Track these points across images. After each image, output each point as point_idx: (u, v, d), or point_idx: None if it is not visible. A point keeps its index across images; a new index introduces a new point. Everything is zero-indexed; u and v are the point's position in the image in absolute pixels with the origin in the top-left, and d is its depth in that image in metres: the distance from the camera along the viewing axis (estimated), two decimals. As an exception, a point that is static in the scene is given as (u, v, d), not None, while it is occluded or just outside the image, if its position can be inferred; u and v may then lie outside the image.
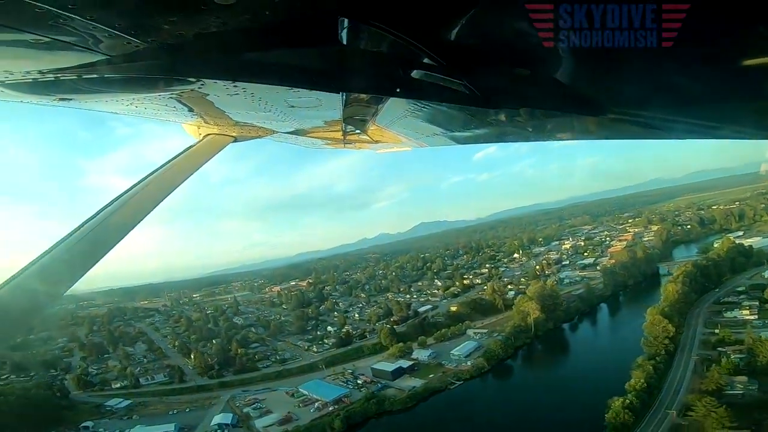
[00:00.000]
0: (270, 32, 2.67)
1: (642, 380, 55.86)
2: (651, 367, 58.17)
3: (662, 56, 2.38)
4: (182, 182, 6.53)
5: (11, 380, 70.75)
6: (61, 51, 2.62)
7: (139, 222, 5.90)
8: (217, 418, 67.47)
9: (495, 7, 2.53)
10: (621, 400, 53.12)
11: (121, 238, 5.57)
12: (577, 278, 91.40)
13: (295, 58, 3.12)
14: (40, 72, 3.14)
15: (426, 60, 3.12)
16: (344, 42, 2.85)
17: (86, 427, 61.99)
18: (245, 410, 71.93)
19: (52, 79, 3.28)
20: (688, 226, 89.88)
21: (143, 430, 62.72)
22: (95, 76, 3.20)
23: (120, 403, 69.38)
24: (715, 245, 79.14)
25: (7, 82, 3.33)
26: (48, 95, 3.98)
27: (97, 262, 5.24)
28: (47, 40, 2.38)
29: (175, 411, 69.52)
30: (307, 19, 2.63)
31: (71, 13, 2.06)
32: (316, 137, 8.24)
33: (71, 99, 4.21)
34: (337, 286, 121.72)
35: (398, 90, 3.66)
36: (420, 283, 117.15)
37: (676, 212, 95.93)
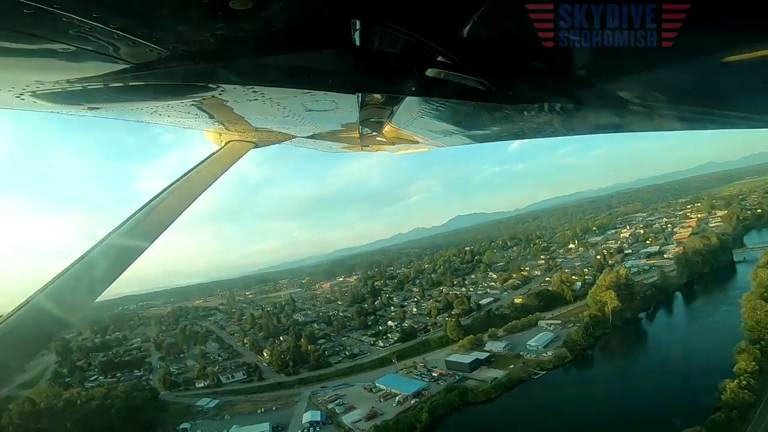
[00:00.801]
0: (284, 37, 2.68)
1: (753, 363, 55.47)
2: (758, 351, 57.76)
3: (680, 51, 2.34)
4: (206, 188, 6.57)
5: (100, 381, 71.06)
6: (87, 60, 2.64)
7: (166, 228, 5.96)
8: (307, 416, 67.42)
9: (506, 3, 2.52)
10: (736, 381, 52.80)
11: (149, 245, 5.66)
12: (645, 267, 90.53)
13: (310, 62, 3.11)
14: (68, 81, 3.19)
15: (440, 58, 3.13)
16: (357, 43, 2.85)
17: (185, 429, 61.96)
18: (329, 407, 71.87)
19: (80, 88, 3.30)
20: (759, 210, 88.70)
21: (239, 431, 62.66)
22: (120, 84, 3.22)
23: (209, 403, 69.37)
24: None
25: (38, 92, 3.35)
26: (77, 104, 4.01)
27: (126, 267, 5.37)
28: (73, 49, 2.40)
29: (262, 410, 69.43)
30: (321, 22, 2.62)
31: (95, 22, 2.12)
32: (334, 140, 8.24)
33: (99, 108, 4.22)
34: (386, 281, 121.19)
35: (413, 89, 3.63)
36: (473, 276, 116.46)
37: (740, 196, 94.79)
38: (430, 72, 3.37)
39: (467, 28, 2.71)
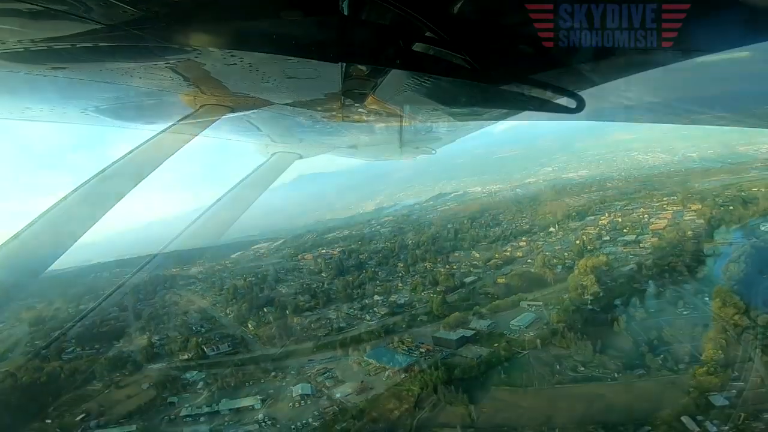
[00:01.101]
0: (267, 1, 2.58)
1: (719, 351, 60.45)
2: (723, 340, 62.89)
3: (671, 49, 2.30)
4: (176, 151, 6.74)
5: (77, 353, 67.30)
6: (55, 20, 2.57)
7: (132, 189, 6.13)
8: (297, 389, 67.52)
9: None
10: (705, 368, 57.49)
11: (113, 205, 5.81)
12: (621, 255, 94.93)
13: (294, 28, 3.01)
14: (32, 41, 3.05)
15: (428, 33, 3.12)
16: (344, 12, 2.83)
17: (172, 403, 60.65)
18: (318, 380, 72.23)
19: (45, 48, 3.18)
20: (730, 207, 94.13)
21: (229, 404, 62.04)
22: (89, 45, 3.08)
23: (195, 376, 67.73)
24: (762, 228, 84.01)
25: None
26: (40, 64, 3.88)
27: (91, 226, 5.52)
28: (41, 9, 2.36)
29: (250, 382, 68.71)
30: None
31: None
32: (314, 109, 8.29)
33: (64, 68, 4.11)
34: (371, 255, 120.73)
35: (398, 62, 3.60)
36: (456, 254, 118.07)
37: (714, 193, 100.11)
38: (416, 47, 3.34)
39: (457, 5, 2.65)
